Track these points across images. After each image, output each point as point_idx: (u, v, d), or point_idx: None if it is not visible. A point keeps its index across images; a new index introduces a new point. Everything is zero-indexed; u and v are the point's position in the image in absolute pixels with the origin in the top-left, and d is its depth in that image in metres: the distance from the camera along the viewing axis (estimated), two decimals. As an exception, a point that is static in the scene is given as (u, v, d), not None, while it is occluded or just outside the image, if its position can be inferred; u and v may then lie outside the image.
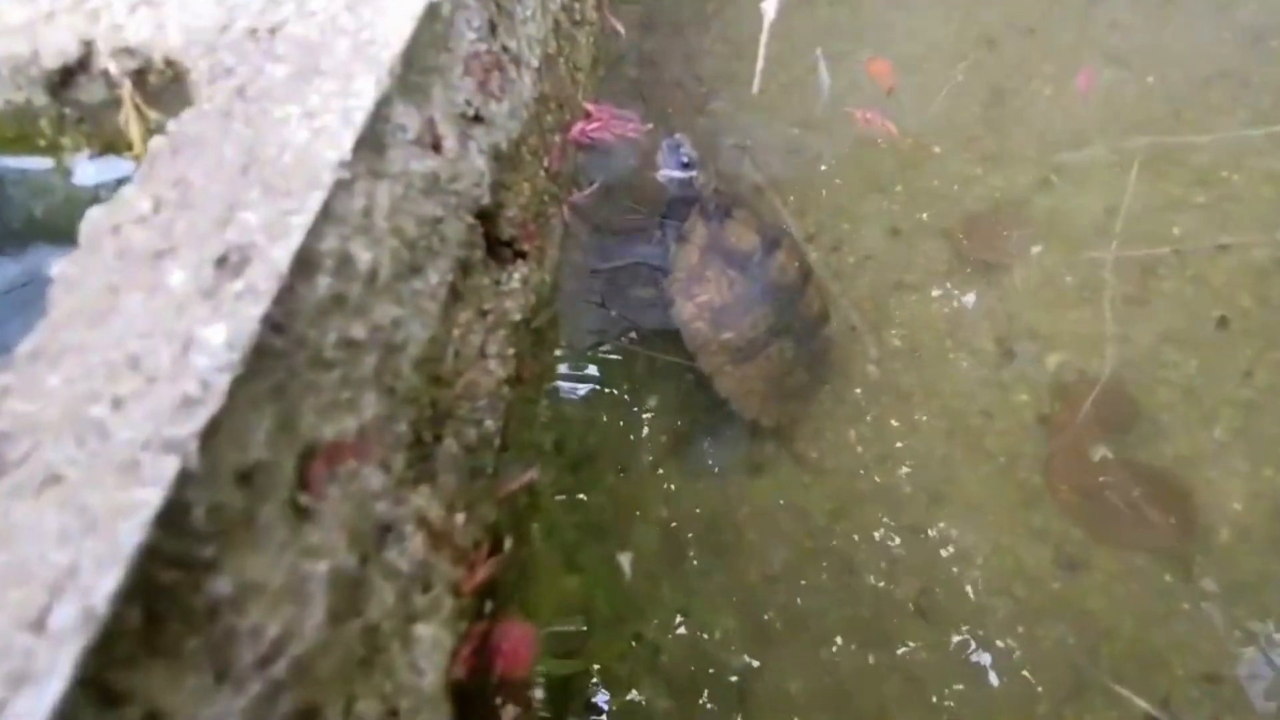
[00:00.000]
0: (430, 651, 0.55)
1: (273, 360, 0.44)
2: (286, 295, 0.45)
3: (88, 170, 0.66)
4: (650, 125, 1.13)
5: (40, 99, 0.63)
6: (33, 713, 0.30)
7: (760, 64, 1.12)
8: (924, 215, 1.42)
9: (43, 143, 0.66)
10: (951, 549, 1.13)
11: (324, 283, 0.49)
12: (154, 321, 0.43)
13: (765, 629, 1.11)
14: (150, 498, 0.36)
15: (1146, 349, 1.23)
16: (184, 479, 0.37)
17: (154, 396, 0.40)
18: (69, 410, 0.40)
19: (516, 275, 0.92)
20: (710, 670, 1.06)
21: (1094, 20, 1.64)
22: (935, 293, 1.34)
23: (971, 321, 1.30)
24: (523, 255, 0.93)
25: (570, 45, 1.15)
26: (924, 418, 1.23)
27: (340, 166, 0.52)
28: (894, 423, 1.23)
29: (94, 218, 0.46)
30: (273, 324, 0.44)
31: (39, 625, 0.33)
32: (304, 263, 0.47)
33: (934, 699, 1.01)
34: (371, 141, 0.57)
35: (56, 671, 0.31)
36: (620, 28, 1.32)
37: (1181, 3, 1.64)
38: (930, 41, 1.61)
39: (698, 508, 1.19)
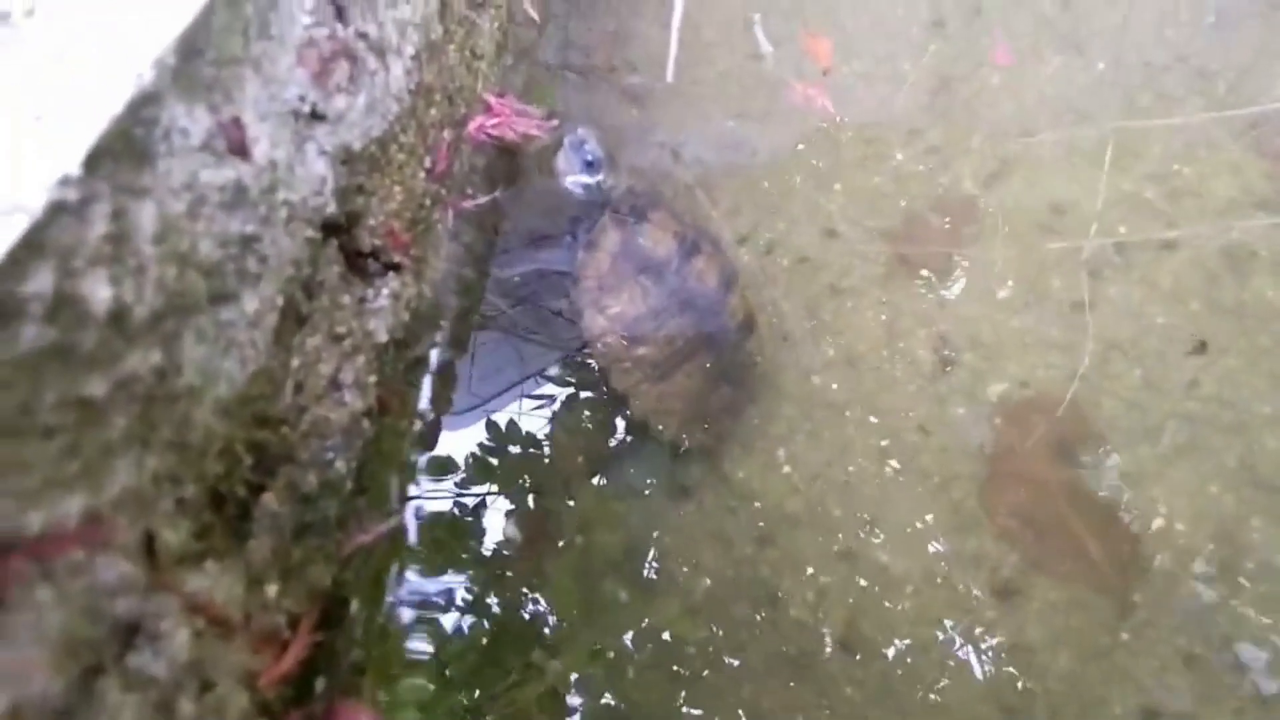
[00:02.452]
0: (195, 773, 0.47)
1: None
2: None
3: None
4: (557, 122, 1.04)
5: None
6: None
7: (673, 49, 1.03)
8: (863, 214, 1.34)
9: None
10: (882, 577, 1.06)
11: (30, 334, 0.40)
12: None
13: (684, 666, 1.03)
14: None
15: (1091, 358, 1.16)
16: None
17: None
18: None
19: (385, 291, 0.82)
20: (622, 715, 0.98)
21: (1047, 2, 1.56)
22: (873, 298, 1.26)
23: (910, 329, 1.23)
24: (395, 268, 0.84)
25: (466, 30, 1.04)
26: (858, 435, 1.16)
27: (62, 185, 0.42)
28: (826, 440, 1.16)
29: None
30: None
31: None
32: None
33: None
34: (124, 152, 0.47)
35: None
36: (535, 14, 1.21)
37: (1138, -15, 1.57)
38: (875, 24, 1.53)
39: (615, 534, 1.11)
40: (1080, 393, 1.14)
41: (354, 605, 0.69)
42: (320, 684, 0.62)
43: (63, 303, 0.41)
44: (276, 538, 0.59)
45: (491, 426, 1.06)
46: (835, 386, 1.18)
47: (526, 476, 1.09)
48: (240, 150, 0.56)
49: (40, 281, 0.40)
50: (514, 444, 1.09)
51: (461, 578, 0.98)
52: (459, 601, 0.96)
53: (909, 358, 1.21)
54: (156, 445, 0.49)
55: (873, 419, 1.16)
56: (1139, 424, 1.10)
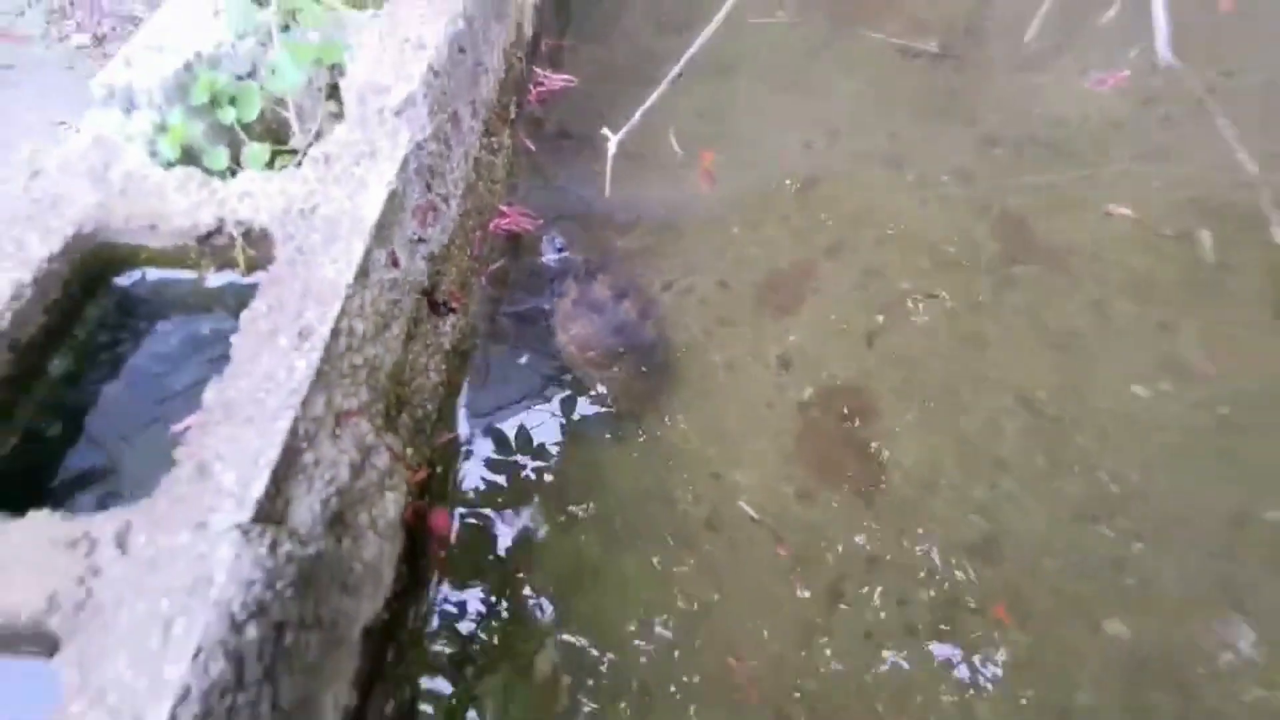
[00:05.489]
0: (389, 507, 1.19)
1: (324, 375, 1.07)
2: (331, 344, 1.08)
3: (213, 279, 1.29)
4: (541, 220, 1.78)
5: (194, 245, 1.27)
6: None
7: (609, 175, 1.75)
8: (745, 273, 2.06)
9: (192, 264, 1.29)
10: (735, 485, 1.77)
11: (342, 342, 1.13)
12: (270, 365, 1.06)
13: (619, 537, 1.73)
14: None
15: (877, 365, 1.87)
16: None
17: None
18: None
19: (448, 322, 1.56)
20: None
21: (881, 135, 2.28)
22: (745, 325, 1.98)
23: (767, 345, 1.95)
24: (453, 310, 1.57)
25: (488, 169, 1.80)
26: (730, 408, 1.88)
27: (347, 287, 1.15)
28: (710, 411, 1.87)
29: (246, 315, 1.10)
30: (324, 357, 1.07)
31: None
32: (334, 335, 1.10)
33: (682, 600, 1.62)
34: (362, 272, 1.20)
35: None
36: (531, 145, 1.96)
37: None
38: (760, 143, 2.27)
39: (579, 469, 1.83)
40: (868, 385, 1.85)
41: (438, 469, 1.41)
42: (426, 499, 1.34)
43: (350, 331, 1.15)
44: (408, 432, 1.31)
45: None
46: (719, 379, 1.90)
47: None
48: (395, 263, 1.30)
49: (344, 322, 1.13)
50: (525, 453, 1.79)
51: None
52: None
53: (764, 362, 1.92)
54: (371, 386, 1.22)
55: (741, 399, 1.87)
56: (900, 405, 1.80)
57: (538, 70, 2.13)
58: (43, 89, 2.84)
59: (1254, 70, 2.21)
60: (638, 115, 1.63)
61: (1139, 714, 1.44)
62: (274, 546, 0.93)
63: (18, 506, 0.96)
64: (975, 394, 1.84)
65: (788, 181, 2.24)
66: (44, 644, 0.87)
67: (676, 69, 1.54)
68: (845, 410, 1.84)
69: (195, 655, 0.82)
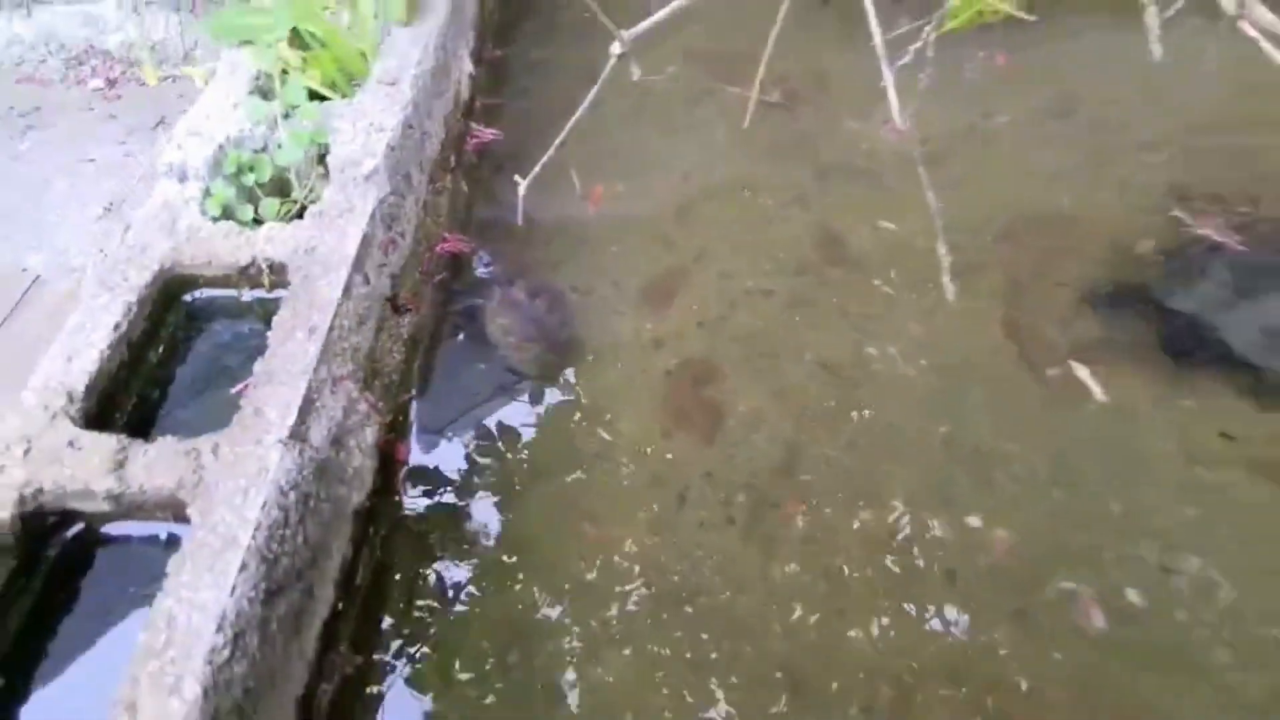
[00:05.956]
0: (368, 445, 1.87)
1: (325, 355, 1.75)
2: (329, 336, 1.77)
3: (247, 296, 1.97)
4: (474, 243, 2.47)
5: (235, 274, 1.94)
6: None
7: (520, 206, 2.42)
8: (631, 277, 2.77)
9: (234, 286, 1.97)
10: (617, 425, 2.47)
11: (335, 334, 1.81)
12: (293, 349, 1.74)
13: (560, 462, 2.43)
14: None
15: (722, 342, 2.59)
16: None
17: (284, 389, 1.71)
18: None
19: (406, 319, 2.26)
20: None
21: (741, 163, 2.98)
22: (632, 316, 2.69)
23: (642, 330, 2.66)
24: (409, 310, 2.27)
25: (433, 208, 2.49)
26: (619, 373, 2.58)
27: (337, 300, 1.84)
28: (604, 375, 2.57)
29: (276, 319, 1.78)
30: (324, 344, 1.75)
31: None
32: (330, 329, 1.79)
33: (574, 509, 2.33)
34: (346, 290, 1.89)
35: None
36: (465, 186, 2.65)
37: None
38: (650, 178, 2.97)
39: (504, 418, 2.53)
40: (715, 358, 2.57)
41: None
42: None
43: (340, 326, 1.84)
44: (381, 390, 2.00)
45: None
46: (608, 354, 2.61)
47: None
48: (368, 281, 1.99)
49: (338, 321, 1.82)
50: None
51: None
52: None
53: (642, 342, 2.64)
54: (355, 360, 1.91)
55: (623, 367, 2.58)
56: (737, 371, 2.52)
57: (474, 125, 2.80)
58: (69, 129, 3.45)
59: (1004, 113, 2.95)
60: (539, 166, 2.30)
61: (878, 569, 2.17)
62: (301, 452, 1.62)
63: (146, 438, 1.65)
64: (793, 363, 2.57)
65: (667, 206, 2.95)
66: (174, 507, 1.56)
67: (560, 138, 2.21)
68: (698, 375, 2.55)
69: (263, 506, 1.51)
